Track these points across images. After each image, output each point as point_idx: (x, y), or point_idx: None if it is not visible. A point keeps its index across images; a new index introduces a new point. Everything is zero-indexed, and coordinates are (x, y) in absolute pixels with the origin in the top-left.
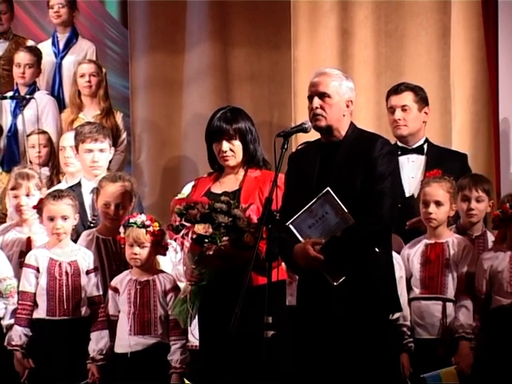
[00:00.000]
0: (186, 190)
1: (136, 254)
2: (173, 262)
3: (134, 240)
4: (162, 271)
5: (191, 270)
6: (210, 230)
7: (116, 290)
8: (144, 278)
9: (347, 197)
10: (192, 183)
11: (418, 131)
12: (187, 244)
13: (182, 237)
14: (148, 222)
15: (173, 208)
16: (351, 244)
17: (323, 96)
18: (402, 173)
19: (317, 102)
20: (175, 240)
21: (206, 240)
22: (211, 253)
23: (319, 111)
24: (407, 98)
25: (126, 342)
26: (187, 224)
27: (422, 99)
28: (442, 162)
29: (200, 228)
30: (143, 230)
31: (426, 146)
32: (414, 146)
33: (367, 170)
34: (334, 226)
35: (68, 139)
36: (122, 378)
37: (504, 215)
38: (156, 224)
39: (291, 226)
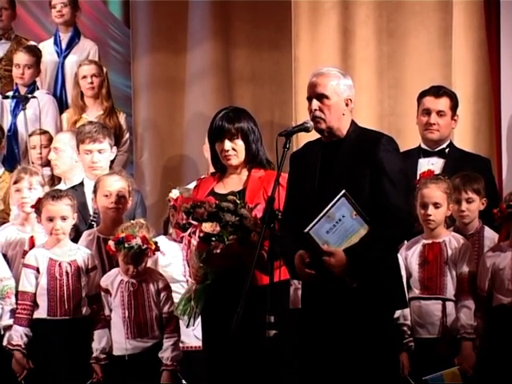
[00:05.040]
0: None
1: (134, 272)
2: (161, 265)
3: (131, 261)
4: (152, 270)
5: (196, 269)
6: (218, 229)
7: (107, 292)
8: (135, 278)
9: (352, 194)
10: (194, 183)
11: (446, 137)
12: (194, 242)
13: (189, 235)
14: (145, 246)
15: (180, 206)
16: (378, 248)
17: (321, 97)
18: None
19: (315, 104)
20: (182, 238)
21: (213, 238)
22: (218, 251)
23: (318, 113)
24: (445, 103)
25: (123, 345)
26: (194, 222)
27: (456, 106)
28: (461, 165)
29: (207, 226)
30: (141, 252)
31: (448, 150)
32: (437, 149)
33: (375, 170)
34: (351, 228)
35: (55, 141)
36: (121, 380)
37: (501, 214)
38: (152, 243)
39: (312, 234)
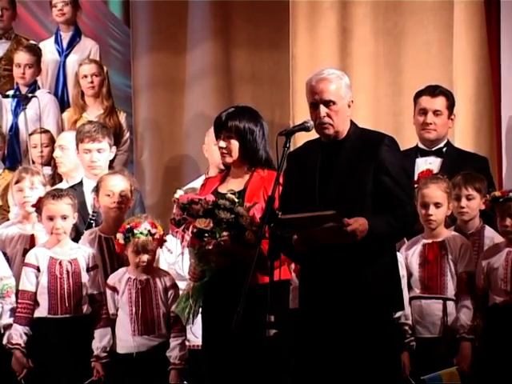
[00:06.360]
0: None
1: (145, 261)
2: (168, 263)
3: (141, 248)
4: (159, 268)
5: (194, 266)
6: (211, 225)
7: (114, 290)
8: (143, 276)
9: (354, 194)
10: (197, 180)
11: (443, 136)
12: (187, 238)
13: (183, 230)
14: (154, 230)
15: (178, 202)
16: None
17: (328, 103)
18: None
19: (323, 110)
20: (176, 233)
21: (206, 234)
22: (210, 247)
23: (327, 120)
24: (442, 102)
25: (130, 343)
26: (189, 218)
27: (452, 106)
28: (459, 164)
29: (201, 222)
30: (150, 238)
31: (445, 149)
32: (434, 149)
33: (378, 170)
34: None
35: (59, 139)
36: (128, 378)
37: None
38: (160, 228)
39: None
